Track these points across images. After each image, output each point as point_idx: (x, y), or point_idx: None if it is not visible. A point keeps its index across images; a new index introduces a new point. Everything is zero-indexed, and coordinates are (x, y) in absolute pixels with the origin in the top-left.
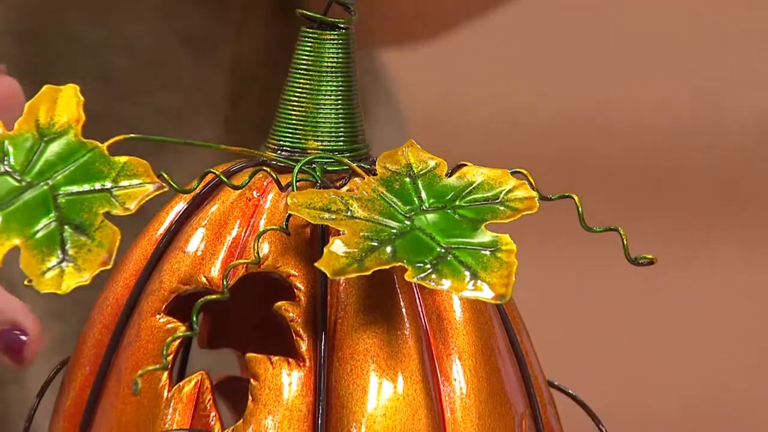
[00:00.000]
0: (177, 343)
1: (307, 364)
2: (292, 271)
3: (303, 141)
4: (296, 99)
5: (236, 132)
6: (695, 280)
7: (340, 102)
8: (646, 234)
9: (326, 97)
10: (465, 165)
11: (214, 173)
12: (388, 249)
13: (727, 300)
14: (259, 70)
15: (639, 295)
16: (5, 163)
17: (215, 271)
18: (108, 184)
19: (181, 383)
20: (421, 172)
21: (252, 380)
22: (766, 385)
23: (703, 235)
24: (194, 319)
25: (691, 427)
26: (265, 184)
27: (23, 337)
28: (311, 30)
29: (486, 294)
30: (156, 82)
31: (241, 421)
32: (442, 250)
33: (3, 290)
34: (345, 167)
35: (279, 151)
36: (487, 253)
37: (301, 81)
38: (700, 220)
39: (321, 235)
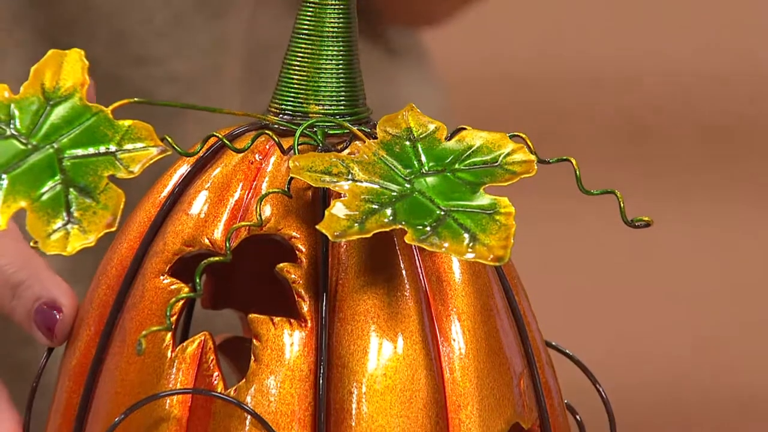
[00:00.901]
0: (180, 303)
1: (309, 324)
2: (294, 234)
3: (305, 105)
4: (298, 63)
5: (251, 97)
6: (690, 237)
7: (341, 66)
8: (640, 188)
9: (327, 62)
10: (464, 129)
11: (217, 136)
12: (389, 211)
13: (722, 256)
14: (275, 35)
15: (636, 254)
16: (11, 126)
17: (218, 233)
18: (112, 148)
19: (184, 343)
20: (420, 136)
21: (254, 340)
22: (759, 339)
23: (698, 190)
24: (197, 280)
25: (686, 385)
26: (267, 147)
27: (58, 316)
28: None
29: (485, 256)
30: (171, 48)
31: (243, 380)
32: (442, 213)
33: (45, 268)
34: (346, 131)
35: (281, 115)
36: (486, 215)
37: (303, 45)
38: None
39: (322, 198)
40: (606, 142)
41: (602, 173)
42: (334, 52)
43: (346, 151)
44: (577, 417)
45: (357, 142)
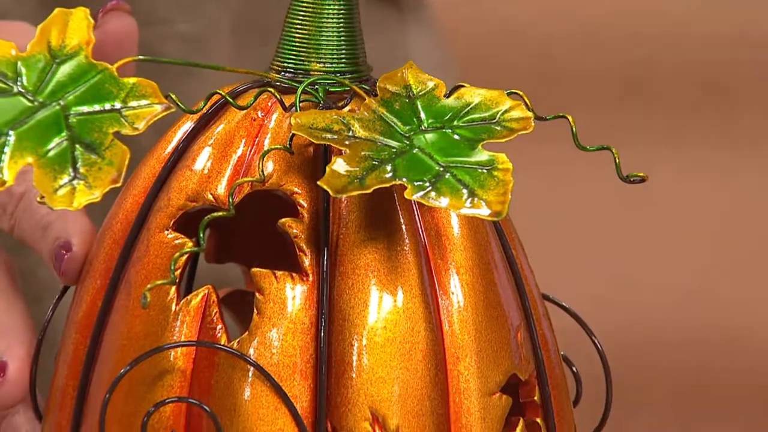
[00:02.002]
0: (184, 258)
1: (310, 278)
2: (296, 189)
3: (306, 63)
4: (299, 21)
5: (259, 57)
6: (684, 186)
7: (342, 24)
8: (635, 138)
9: (328, 20)
10: (462, 86)
11: (220, 94)
12: (389, 168)
13: (715, 203)
14: None
15: (631, 208)
16: (18, 83)
17: (221, 189)
18: (117, 105)
19: (188, 297)
20: (420, 93)
21: (257, 294)
22: (752, 288)
23: (691, 139)
24: (201, 235)
25: (682, 337)
26: (269, 104)
27: (66, 255)
28: None
29: (483, 211)
30: (179, 10)
31: (246, 333)
32: (441, 169)
33: (74, 211)
34: (347, 88)
35: (283, 73)
36: (484, 171)
37: (304, 4)
38: (688, 124)
39: (323, 154)
40: (602, 94)
41: (598, 123)
42: (335, 10)
43: (347, 108)
44: (574, 368)
45: (357, 100)
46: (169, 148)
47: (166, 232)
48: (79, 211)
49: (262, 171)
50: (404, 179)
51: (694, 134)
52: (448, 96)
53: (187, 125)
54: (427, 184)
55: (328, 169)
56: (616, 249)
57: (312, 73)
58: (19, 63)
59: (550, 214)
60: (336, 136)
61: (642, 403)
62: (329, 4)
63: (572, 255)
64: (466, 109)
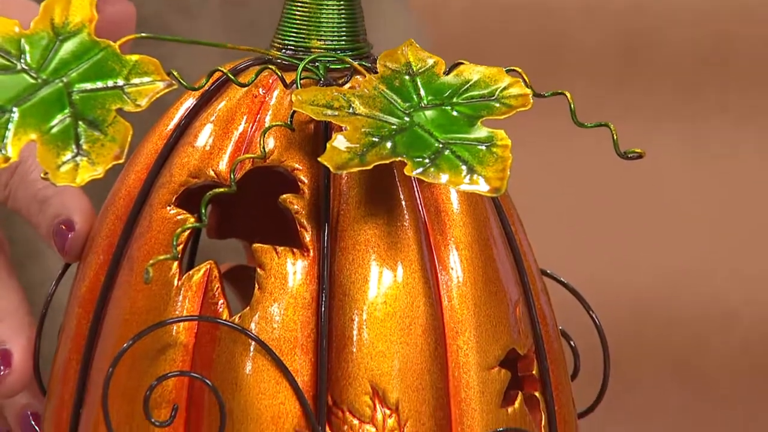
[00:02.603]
0: (186, 233)
1: (311, 254)
2: (297, 165)
3: (307, 40)
4: (300, 0)
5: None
6: (684, 162)
7: (342, 3)
8: (633, 111)
9: None
10: (462, 63)
11: (222, 71)
12: (389, 144)
13: (714, 177)
14: None
15: (630, 183)
16: (22, 61)
17: (223, 165)
18: (120, 82)
19: (190, 272)
20: (419, 70)
21: (258, 269)
22: (750, 264)
23: (691, 112)
24: (203, 210)
25: (679, 312)
26: (270, 81)
27: (69, 234)
28: None
29: (482, 187)
30: None
31: (248, 308)
32: (440, 145)
33: (72, 187)
34: (347, 66)
35: (284, 50)
36: (483, 148)
37: None
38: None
39: (324, 131)
40: (600, 68)
41: (596, 97)
42: None
43: (347, 86)
44: (572, 343)
45: (358, 77)
46: (171, 125)
47: (168, 207)
48: (76, 188)
49: (264, 147)
50: (404, 156)
51: (693, 109)
52: (447, 73)
53: (189, 102)
54: (427, 160)
55: (328, 145)
56: (614, 224)
57: (313, 50)
58: (23, 40)
59: (549, 190)
60: (336, 113)
61: (639, 376)
62: None
63: (570, 230)
64: (466, 86)
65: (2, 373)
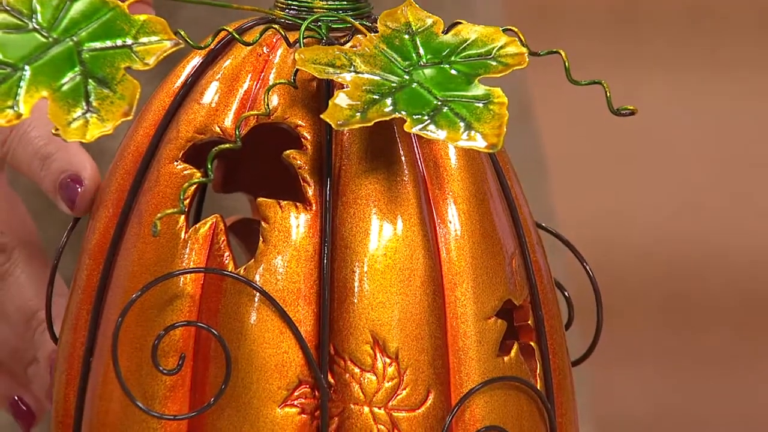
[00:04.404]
0: (193, 188)
1: (314, 208)
2: (300, 122)
3: (309, 0)
4: None
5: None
6: (674, 110)
7: None
8: (627, 59)
9: None
10: (460, 23)
11: (227, 30)
12: (389, 101)
13: (706, 124)
14: None
15: (621, 131)
16: (33, 20)
17: (228, 122)
18: (129, 41)
19: (197, 225)
20: (419, 30)
21: (263, 223)
22: (739, 206)
23: (684, 61)
24: (209, 166)
25: (672, 258)
26: (274, 40)
27: (79, 189)
28: None
29: (479, 143)
30: None
31: (252, 260)
32: (439, 103)
33: (74, 143)
34: (348, 25)
35: (287, 10)
36: (481, 105)
37: None
38: (677, 50)
39: (326, 89)
40: (591, 20)
41: (587, 48)
42: None
43: (349, 45)
44: (566, 293)
45: (359, 36)
46: (179, 82)
47: (175, 163)
48: (78, 145)
49: (268, 105)
50: (404, 113)
51: (682, 58)
52: (446, 32)
53: (195, 60)
54: (426, 117)
55: (330, 102)
56: (606, 170)
57: (315, 10)
58: (34, 1)
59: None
60: (338, 71)
61: (632, 319)
62: None
63: (563, 180)
64: (463, 45)
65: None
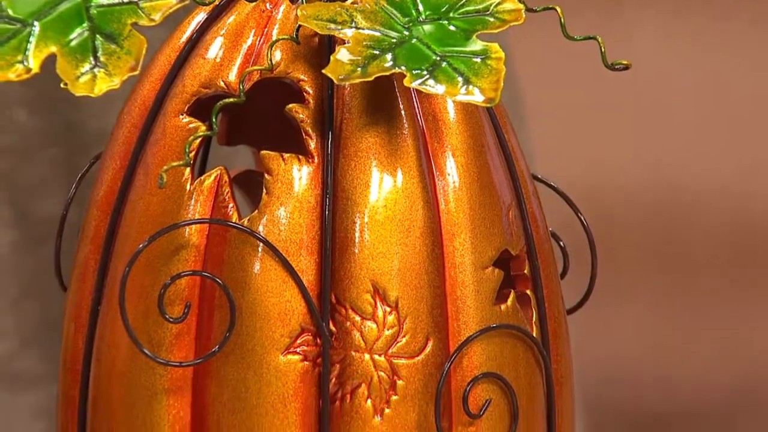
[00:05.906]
0: (198, 141)
1: (316, 160)
2: (302, 77)
3: None
4: None
5: None
6: (666, 54)
7: None
8: (614, 9)
9: None
10: None
11: None
12: (389, 57)
13: (695, 74)
14: None
15: (610, 80)
16: None
17: (232, 76)
18: None
19: (202, 177)
20: None
21: (266, 175)
22: (732, 151)
23: (671, 9)
24: (214, 119)
25: (666, 209)
26: None
27: None
28: None
29: (477, 98)
30: None
31: (256, 211)
32: (438, 58)
33: None
34: None
35: None
36: (478, 60)
37: None
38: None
39: (328, 44)
40: None
41: None
42: None
43: (350, 1)
44: (561, 243)
45: None
46: (184, 38)
47: (180, 116)
48: None
49: (271, 60)
50: (403, 68)
51: (675, 2)
52: None
53: (200, 16)
54: (425, 72)
55: (332, 58)
56: (599, 116)
57: None
58: None
59: (539, 96)
60: (340, 27)
61: (626, 262)
62: None
63: (560, 135)
64: (462, 2)
65: None
